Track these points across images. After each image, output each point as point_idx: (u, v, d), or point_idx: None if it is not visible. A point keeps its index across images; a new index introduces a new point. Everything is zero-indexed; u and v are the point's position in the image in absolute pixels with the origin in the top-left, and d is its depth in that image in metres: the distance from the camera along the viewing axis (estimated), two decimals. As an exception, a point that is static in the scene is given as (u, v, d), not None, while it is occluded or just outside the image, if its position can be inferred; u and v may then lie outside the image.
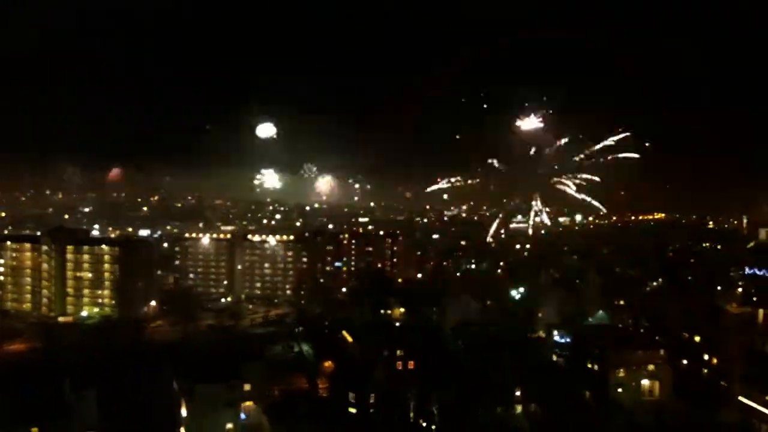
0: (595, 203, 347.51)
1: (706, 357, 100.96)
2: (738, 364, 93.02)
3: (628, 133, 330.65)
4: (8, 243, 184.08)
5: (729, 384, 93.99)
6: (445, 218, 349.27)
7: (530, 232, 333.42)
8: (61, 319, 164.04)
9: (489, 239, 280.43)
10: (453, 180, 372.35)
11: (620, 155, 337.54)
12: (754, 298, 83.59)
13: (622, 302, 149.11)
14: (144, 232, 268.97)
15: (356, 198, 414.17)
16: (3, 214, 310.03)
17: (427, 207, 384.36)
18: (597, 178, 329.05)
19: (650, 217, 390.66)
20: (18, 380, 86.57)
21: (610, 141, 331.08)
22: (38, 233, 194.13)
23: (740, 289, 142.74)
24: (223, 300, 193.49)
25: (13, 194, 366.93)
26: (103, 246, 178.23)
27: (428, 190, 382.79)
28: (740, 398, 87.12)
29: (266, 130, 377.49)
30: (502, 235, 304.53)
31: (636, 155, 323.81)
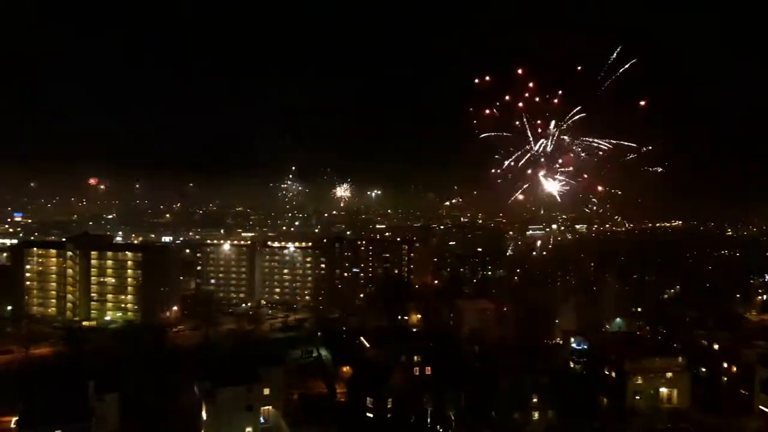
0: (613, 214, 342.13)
1: (725, 365, 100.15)
2: (758, 372, 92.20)
3: (650, 147, 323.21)
4: (34, 249, 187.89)
5: (749, 392, 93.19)
6: (465, 229, 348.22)
7: (547, 239, 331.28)
8: (85, 323, 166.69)
9: (509, 252, 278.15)
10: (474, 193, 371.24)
11: (645, 168, 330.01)
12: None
13: (639, 309, 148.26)
14: (166, 239, 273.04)
15: (373, 204, 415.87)
16: (29, 221, 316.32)
17: (443, 213, 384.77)
18: (619, 191, 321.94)
19: (668, 224, 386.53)
20: (43, 383, 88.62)
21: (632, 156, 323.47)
22: (63, 239, 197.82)
23: (760, 297, 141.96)
24: (243, 305, 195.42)
25: (39, 201, 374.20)
26: (127, 252, 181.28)
27: (447, 203, 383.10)
28: (760, 407, 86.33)
29: (287, 138, 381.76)
30: (519, 243, 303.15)
31: (660, 168, 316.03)
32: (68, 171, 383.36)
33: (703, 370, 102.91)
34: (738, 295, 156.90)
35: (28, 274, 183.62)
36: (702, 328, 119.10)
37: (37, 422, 71.91)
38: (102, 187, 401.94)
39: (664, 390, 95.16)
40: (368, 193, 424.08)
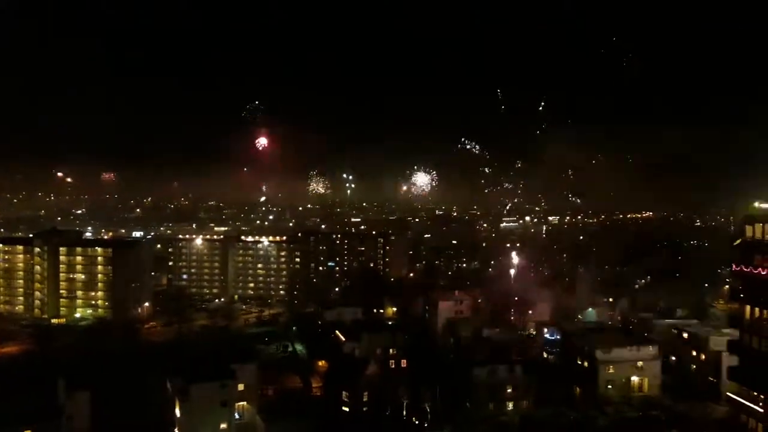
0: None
1: (694, 353, 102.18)
2: (725, 359, 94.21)
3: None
4: (0, 245, 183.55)
5: (717, 379, 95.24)
6: (441, 221, 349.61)
7: (521, 230, 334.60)
8: (54, 320, 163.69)
9: (482, 242, 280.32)
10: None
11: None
12: (741, 295, 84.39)
13: (611, 299, 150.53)
14: (137, 234, 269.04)
15: (348, 197, 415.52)
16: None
17: (419, 206, 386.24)
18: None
19: (638, 215, 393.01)
20: (11, 383, 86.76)
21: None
22: (31, 235, 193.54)
23: (727, 286, 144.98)
24: (216, 300, 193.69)
25: (6, 196, 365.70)
26: (97, 248, 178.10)
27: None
28: (728, 393, 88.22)
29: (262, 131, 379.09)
30: (493, 235, 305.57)
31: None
32: (35, 165, 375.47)
33: (673, 358, 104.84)
34: (707, 285, 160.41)
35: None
36: (672, 317, 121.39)
37: (6, 422, 70.38)
38: (69, 180, 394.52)
39: (635, 378, 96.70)
40: (344, 185, 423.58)
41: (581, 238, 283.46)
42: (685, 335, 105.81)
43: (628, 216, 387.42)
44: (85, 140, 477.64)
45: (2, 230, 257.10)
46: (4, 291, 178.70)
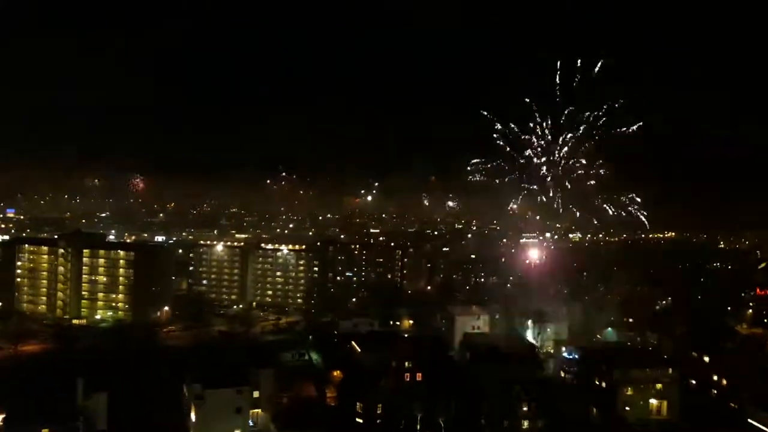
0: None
1: (715, 377, 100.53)
2: (748, 384, 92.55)
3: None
4: (26, 246, 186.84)
5: (738, 405, 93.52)
6: (460, 235, 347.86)
7: (541, 247, 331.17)
8: (75, 321, 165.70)
9: (502, 257, 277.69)
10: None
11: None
12: (765, 319, 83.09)
13: (631, 320, 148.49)
14: (159, 238, 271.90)
15: (369, 207, 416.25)
16: (22, 217, 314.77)
17: (438, 219, 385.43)
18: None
19: (661, 235, 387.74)
20: (31, 382, 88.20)
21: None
22: (56, 237, 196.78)
23: (751, 310, 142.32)
24: (234, 306, 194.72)
25: (32, 198, 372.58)
26: (119, 251, 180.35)
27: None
28: (749, 420, 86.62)
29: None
30: (513, 251, 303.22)
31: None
32: (62, 168, 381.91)
33: (693, 382, 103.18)
34: (729, 308, 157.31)
35: (18, 271, 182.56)
36: (692, 340, 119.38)
37: (25, 421, 71.50)
38: (96, 182, 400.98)
39: (654, 401, 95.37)
40: (365, 194, 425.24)
41: (602, 256, 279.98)
42: (707, 359, 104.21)
43: (650, 236, 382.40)
44: (111, 144, 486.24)
45: (29, 231, 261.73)
46: (28, 290, 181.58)
